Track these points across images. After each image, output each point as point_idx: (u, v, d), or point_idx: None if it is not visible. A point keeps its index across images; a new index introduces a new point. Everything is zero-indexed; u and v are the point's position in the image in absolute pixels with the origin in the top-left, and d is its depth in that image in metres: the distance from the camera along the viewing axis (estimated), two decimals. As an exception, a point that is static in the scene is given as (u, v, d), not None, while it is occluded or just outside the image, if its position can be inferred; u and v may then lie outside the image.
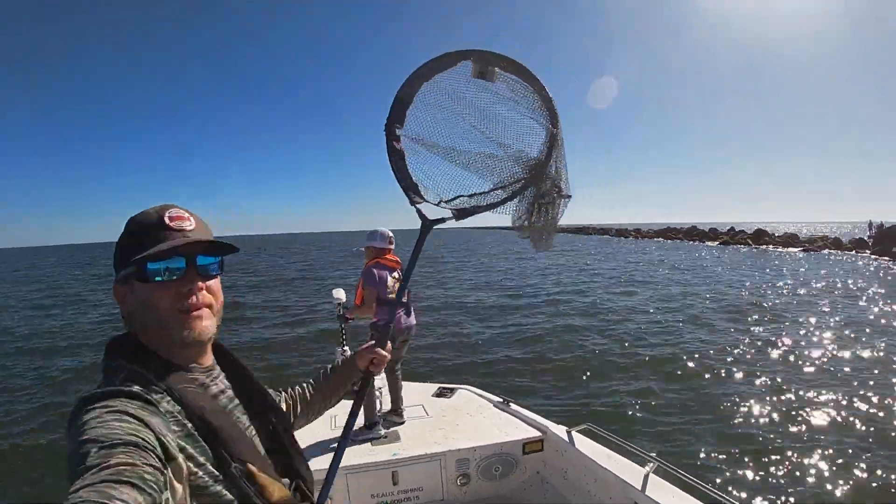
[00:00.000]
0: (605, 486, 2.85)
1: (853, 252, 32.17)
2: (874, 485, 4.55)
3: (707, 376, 7.64)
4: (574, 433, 3.22)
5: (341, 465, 3.00)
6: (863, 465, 4.80)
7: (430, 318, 13.20)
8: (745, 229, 53.54)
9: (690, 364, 8.35)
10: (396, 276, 3.94)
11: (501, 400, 4.02)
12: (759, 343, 9.52)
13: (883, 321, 11.23)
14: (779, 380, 7.37)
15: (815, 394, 6.74)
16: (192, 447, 0.89)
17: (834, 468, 4.79)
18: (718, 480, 4.59)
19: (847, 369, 7.77)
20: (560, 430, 3.34)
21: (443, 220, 1.72)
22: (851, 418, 5.92)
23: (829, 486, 4.52)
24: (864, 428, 5.65)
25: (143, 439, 0.73)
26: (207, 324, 1.02)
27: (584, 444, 3.12)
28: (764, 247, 40.00)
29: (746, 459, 5.01)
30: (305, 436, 3.35)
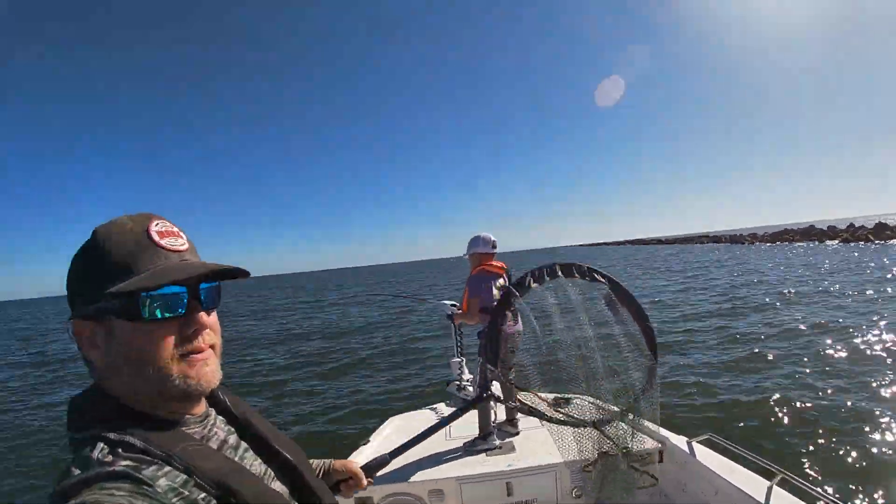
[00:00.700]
0: (727, 498, 2.79)
1: None
2: None
3: (843, 385, 7.09)
4: (694, 444, 3.18)
5: (457, 474, 3.14)
6: None
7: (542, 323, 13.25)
8: (864, 224, 49.54)
9: (822, 372, 7.81)
10: (501, 282, 3.94)
11: (619, 410, 3.99)
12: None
13: None
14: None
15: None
16: None
17: None
18: (852, 495, 4.27)
19: None
20: (680, 441, 3.29)
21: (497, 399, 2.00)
22: None
23: None
24: None
25: None
26: (213, 369, 0.85)
27: (706, 456, 3.06)
28: (885, 241, 36.61)
29: (884, 479, 4.62)
30: (422, 447, 3.50)
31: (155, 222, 0.80)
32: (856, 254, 30.50)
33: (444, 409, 4.54)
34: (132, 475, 0.66)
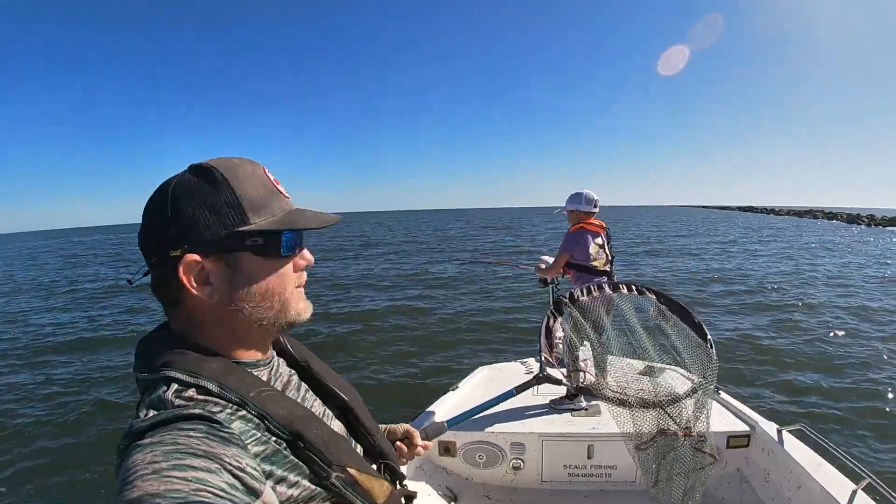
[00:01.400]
0: (809, 495, 2.63)
1: None
2: None
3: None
4: (785, 433, 3.00)
5: (540, 430, 3.20)
6: None
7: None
8: None
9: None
10: (600, 241, 3.83)
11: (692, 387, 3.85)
12: None
13: None
14: None
15: None
16: (282, 467, 0.75)
17: None
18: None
19: None
20: (770, 428, 3.12)
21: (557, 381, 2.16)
22: None
23: None
24: None
25: (213, 493, 0.57)
26: (308, 302, 0.91)
27: (794, 447, 2.89)
28: None
29: None
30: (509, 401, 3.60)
31: (264, 168, 0.85)
32: None
33: (534, 365, 4.57)
34: (208, 417, 0.67)
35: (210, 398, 0.72)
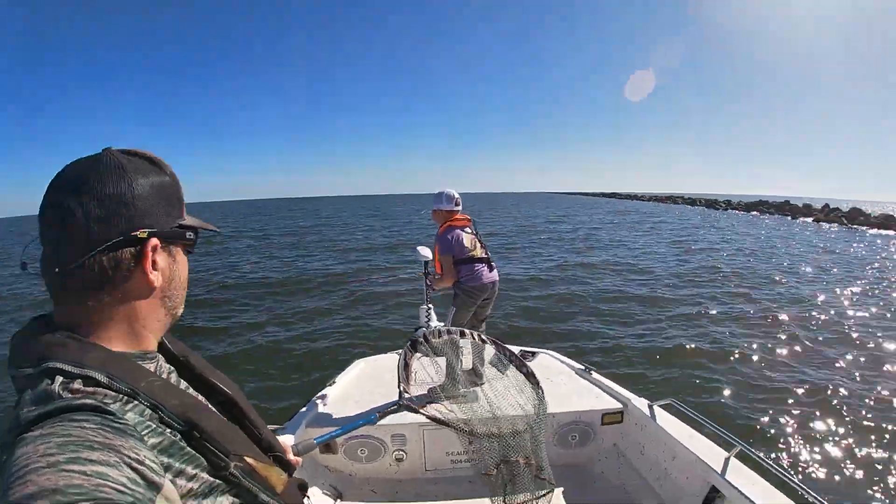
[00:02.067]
0: (683, 465, 2.85)
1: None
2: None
3: (806, 366, 7.25)
4: (656, 408, 3.21)
5: (420, 420, 3.17)
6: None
7: (516, 280, 13.44)
8: (839, 206, 50.37)
9: (789, 347, 8.06)
10: (470, 232, 3.91)
11: (583, 367, 4.04)
12: (871, 335, 8.84)
13: None
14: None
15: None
16: (179, 459, 0.70)
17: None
18: (806, 473, 4.45)
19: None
20: (642, 404, 3.33)
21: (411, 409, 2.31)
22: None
23: None
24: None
25: (114, 486, 0.54)
26: None
27: (666, 421, 3.10)
28: (858, 227, 37.32)
29: (840, 455, 4.82)
30: (388, 391, 3.50)
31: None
32: (833, 234, 31.12)
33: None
34: (101, 407, 0.63)
35: (99, 389, 0.67)
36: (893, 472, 4.54)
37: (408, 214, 58.91)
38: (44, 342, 0.70)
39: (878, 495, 4.24)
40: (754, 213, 56.18)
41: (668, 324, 9.30)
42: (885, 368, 7.15)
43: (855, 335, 8.74)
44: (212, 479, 0.74)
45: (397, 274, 14.58)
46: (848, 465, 4.64)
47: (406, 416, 3.29)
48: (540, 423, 2.48)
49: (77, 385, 0.65)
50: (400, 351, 2.77)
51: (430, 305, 4.49)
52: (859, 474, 4.51)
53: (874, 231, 34.48)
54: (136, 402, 0.69)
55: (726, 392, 6.17)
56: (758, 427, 5.25)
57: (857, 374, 6.90)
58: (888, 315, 10.25)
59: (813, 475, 4.44)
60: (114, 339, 0.76)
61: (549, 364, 4.26)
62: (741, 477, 2.46)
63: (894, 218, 38.38)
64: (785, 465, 2.46)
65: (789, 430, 5.25)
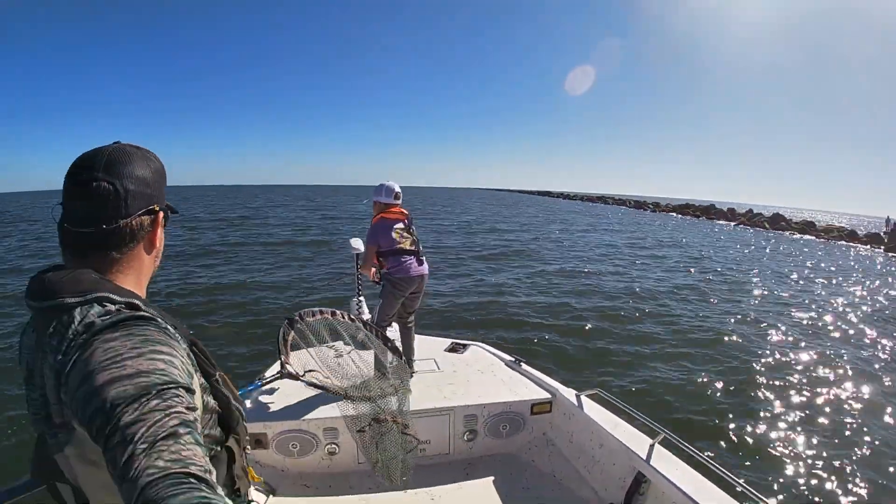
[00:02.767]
0: (610, 452, 2.91)
1: (867, 245, 31.66)
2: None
3: (723, 356, 7.65)
4: (583, 397, 3.27)
5: (352, 414, 3.13)
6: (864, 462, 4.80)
7: (447, 273, 13.52)
8: (762, 212, 53.02)
9: (707, 339, 8.46)
10: (401, 226, 3.89)
11: (513, 359, 4.07)
12: (777, 326, 9.50)
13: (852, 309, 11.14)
14: (797, 361, 7.47)
15: (832, 381, 6.76)
16: (192, 362, 0.91)
17: (840, 461, 4.77)
18: (725, 457, 4.63)
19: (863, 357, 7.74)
20: (569, 394, 3.38)
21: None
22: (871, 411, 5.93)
23: (834, 481, 4.46)
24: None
25: (179, 371, 0.77)
26: None
27: (593, 410, 3.16)
28: (780, 232, 39.49)
29: (755, 439, 5.08)
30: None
31: None
32: (750, 236, 32.87)
33: (343, 348, 4.47)
34: (155, 318, 0.86)
35: (151, 312, 0.88)
36: (808, 453, 4.87)
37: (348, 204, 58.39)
38: (87, 279, 0.88)
39: (794, 476, 4.52)
40: (677, 214, 58.89)
41: (594, 317, 9.61)
42: (804, 355, 7.74)
43: (775, 326, 9.40)
44: (204, 381, 1.01)
45: (332, 266, 14.45)
46: (766, 449, 4.92)
47: (338, 410, 3.25)
48: (405, 388, 2.96)
49: (121, 307, 0.85)
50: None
51: (362, 297, 4.42)
52: (777, 457, 4.80)
53: (796, 235, 36.66)
54: (160, 321, 0.88)
55: (651, 382, 6.42)
56: (681, 415, 5.48)
57: (774, 361, 7.41)
58: (811, 307, 11.11)
59: (732, 459, 4.67)
60: (127, 284, 0.95)
61: (479, 356, 4.27)
62: (665, 462, 2.53)
63: (814, 224, 40.90)
64: (706, 451, 2.56)
65: (711, 417, 5.51)
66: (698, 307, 10.90)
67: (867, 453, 4.89)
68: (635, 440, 2.76)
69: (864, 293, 13.95)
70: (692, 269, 16.39)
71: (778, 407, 5.85)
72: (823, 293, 13.54)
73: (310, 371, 2.96)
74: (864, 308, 11.78)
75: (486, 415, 3.39)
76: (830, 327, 9.78)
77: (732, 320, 9.81)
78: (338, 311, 3.28)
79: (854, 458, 4.79)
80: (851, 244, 32.73)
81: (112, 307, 0.83)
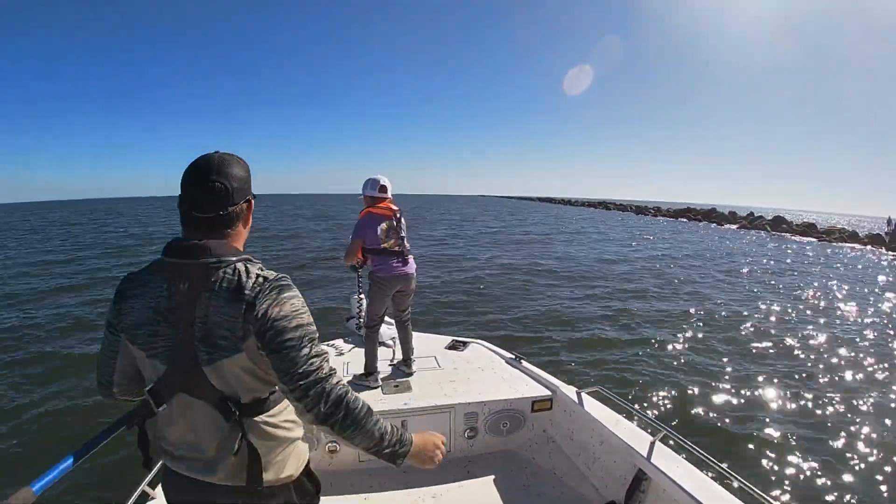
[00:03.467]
0: (611, 449, 2.90)
1: (868, 247, 31.58)
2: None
3: (726, 354, 7.62)
4: (584, 395, 3.26)
5: None
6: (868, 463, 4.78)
7: (448, 270, 13.66)
8: (763, 215, 52.88)
9: (708, 337, 8.45)
10: (385, 225, 3.85)
11: (513, 356, 4.07)
12: (778, 325, 9.46)
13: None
14: (799, 359, 7.45)
15: (832, 380, 6.75)
16: None
17: (842, 458, 4.75)
18: (726, 454, 4.57)
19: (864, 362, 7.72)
20: (570, 391, 3.38)
21: None
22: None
23: (835, 479, 4.44)
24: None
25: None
26: None
27: (593, 407, 3.16)
28: (781, 234, 39.42)
29: (756, 437, 5.05)
30: None
31: None
32: (753, 239, 32.85)
33: (343, 346, 4.49)
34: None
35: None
36: (809, 450, 4.83)
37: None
38: (230, 246, 1.28)
39: (795, 473, 4.49)
40: (682, 219, 58.58)
41: (594, 315, 9.64)
42: (807, 353, 7.73)
43: (775, 326, 9.38)
44: None
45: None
46: (767, 446, 4.89)
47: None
48: None
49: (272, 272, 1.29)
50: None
51: (363, 295, 4.42)
52: (778, 454, 4.76)
53: (797, 238, 36.58)
54: None
55: (651, 379, 6.41)
56: (681, 412, 5.48)
57: (777, 359, 7.38)
58: (809, 310, 11.06)
59: (733, 457, 4.63)
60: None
61: (480, 353, 4.27)
62: (666, 460, 2.52)
63: (815, 226, 40.82)
64: (707, 449, 2.56)
65: (712, 414, 5.50)
66: (697, 305, 10.88)
67: (869, 451, 4.87)
68: (636, 437, 2.75)
69: (871, 296, 13.91)
70: (694, 267, 16.37)
71: (779, 404, 5.84)
72: (824, 293, 13.51)
73: None
74: (869, 309, 11.74)
75: (487, 412, 3.38)
76: (832, 328, 9.71)
77: (734, 318, 9.80)
78: None
79: (856, 455, 4.77)
80: (853, 245, 32.63)
81: (262, 267, 1.28)
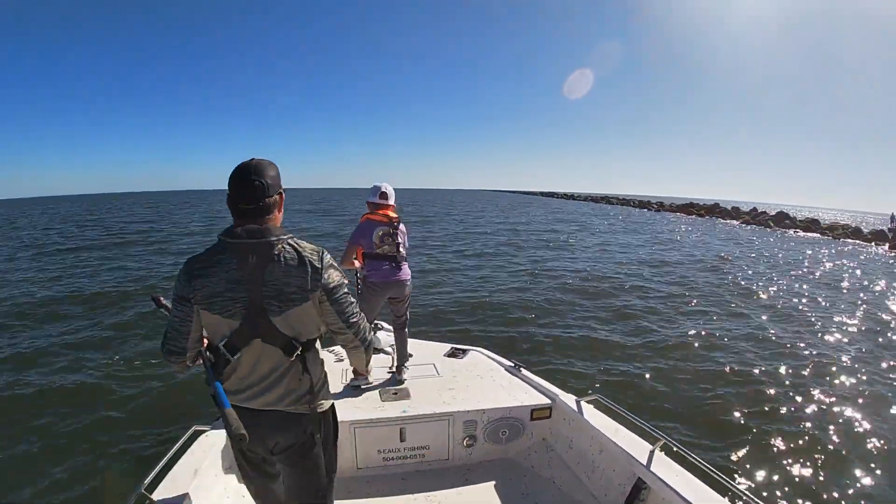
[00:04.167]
0: (610, 458, 2.90)
1: (872, 243, 31.44)
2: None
3: (725, 361, 7.56)
4: (583, 403, 3.27)
5: (350, 418, 3.16)
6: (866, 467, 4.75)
7: (447, 278, 13.49)
8: (766, 210, 52.65)
9: (707, 343, 8.38)
10: (381, 231, 3.88)
11: (513, 364, 4.08)
12: (779, 328, 9.42)
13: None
14: (799, 365, 7.39)
15: (834, 385, 6.70)
16: None
17: (844, 468, 4.70)
18: (725, 463, 4.59)
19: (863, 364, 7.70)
20: (569, 399, 3.38)
21: None
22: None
23: (836, 489, 4.39)
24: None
25: None
26: None
27: (593, 415, 3.16)
28: (784, 230, 39.24)
29: (756, 445, 5.01)
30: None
31: None
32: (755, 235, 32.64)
33: (342, 352, 4.50)
34: None
35: None
36: (810, 459, 4.81)
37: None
38: (279, 228, 1.71)
39: (795, 483, 4.47)
40: (683, 214, 58.05)
41: (593, 321, 9.56)
42: (807, 361, 7.63)
43: (780, 332, 9.29)
44: None
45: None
46: (767, 455, 4.88)
47: (337, 415, 3.27)
48: None
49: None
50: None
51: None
52: (778, 463, 4.75)
53: (800, 234, 36.47)
54: None
55: (650, 387, 6.38)
56: (681, 421, 5.44)
57: (776, 366, 7.32)
58: (815, 314, 10.98)
59: (733, 466, 4.63)
60: None
61: (479, 361, 4.28)
62: (666, 469, 2.53)
63: (818, 222, 40.67)
64: (707, 458, 2.57)
65: (711, 423, 5.47)
66: (699, 311, 10.84)
67: (875, 461, 4.81)
68: (635, 446, 2.76)
69: (874, 294, 13.87)
70: (698, 272, 16.32)
71: (780, 413, 5.80)
72: (831, 295, 13.44)
73: None
74: (871, 310, 11.65)
75: (486, 420, 3.38)
76: (835, 329, 9.68)
77: (735, 326, 9.73)
78: None
79: (857, 465, 4.73)
80: (856, 242, 32.49)
81: (302, 239, 1.74)
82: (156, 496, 2.28)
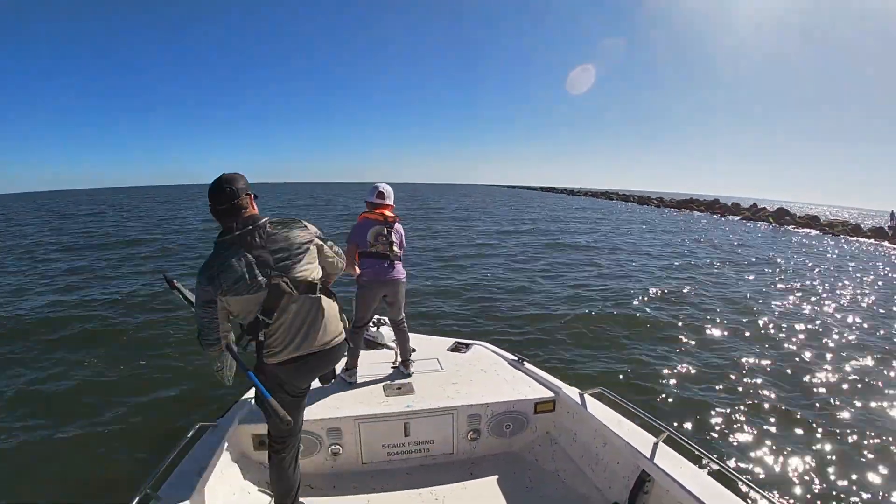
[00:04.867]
0: (614, 450, 2.91)
1: (871, 240, 31.43)
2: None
3: (728, 352, 7.61)
4: (587, 396, 3.28)
5: (355, 413, 3.17)
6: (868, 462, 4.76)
7: (447, 273, 13.44)
8: (766, 206, 52.59)
9: (711, 336, 8.43)
10: (375, 230, 3.90)
11: (516, 358, 4.09)
12: (780, 322, 9.42)
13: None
14: (801, 358, 7.42)
15: (834, 378, 6.71)
16: None
17: (848, 459, 4.72)
18: (729, 455, 4.61)
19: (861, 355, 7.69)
20: (573, 393, 3.39)
21: None
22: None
23: (841, 480, 4.41)
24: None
25: None
26: None
27: (596, 408, 3.17)
28: (784, 227, 39.20)
29: (759, 437, 5.03)
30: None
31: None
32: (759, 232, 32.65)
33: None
34: None
35: None
36: (814, 450, 4.82)
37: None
38: (259, 216, 2.20)
39: (799, 474, 4.48)
40: (685, 210, 58.15)
41: (597, 315, 9.55)
42: (812, 353, 7.67)
43: (782, 325, 9.30)
44: None
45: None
46: (771, 447, 4.88)
47: (342, 410, 3.28)
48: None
49: None
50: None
51: None
52: (782, 455, 4.75)
53: (800, 230, 36.47)
54: None
55: (654, 380, 6.38)
56: (685, 413, 5.45)
57: (781, 359, 7.33)
58: (816, 308, 11.01)
59: (737, 458, 4.65)
60: None
61: (483, 355, 4.29)
62: (669, 461, 2.53)
63: (818, 218, 40.66)
64: (710, 450, 2.57)
65: (715, 415, 5.48)
66: (700, 305, 10.83)
67: (875, 451, 4.84)
68: (639, 439, 2.76)
69: (877, 290, 13.87)
70: (699, 265, 16.34)
71: (784, 405, 5.80)
72: (833, 291, 13.44)
73: None
74: (878, 307, 11.68)
75: (490, 414, 3.40)
76: (839, 327, 9.65)
77: (739, 318, 9.73)
78: None
79: (862, 456, 4.76)
80: (856, 238, 32.47)
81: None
82: (162, 493, 2.29)
